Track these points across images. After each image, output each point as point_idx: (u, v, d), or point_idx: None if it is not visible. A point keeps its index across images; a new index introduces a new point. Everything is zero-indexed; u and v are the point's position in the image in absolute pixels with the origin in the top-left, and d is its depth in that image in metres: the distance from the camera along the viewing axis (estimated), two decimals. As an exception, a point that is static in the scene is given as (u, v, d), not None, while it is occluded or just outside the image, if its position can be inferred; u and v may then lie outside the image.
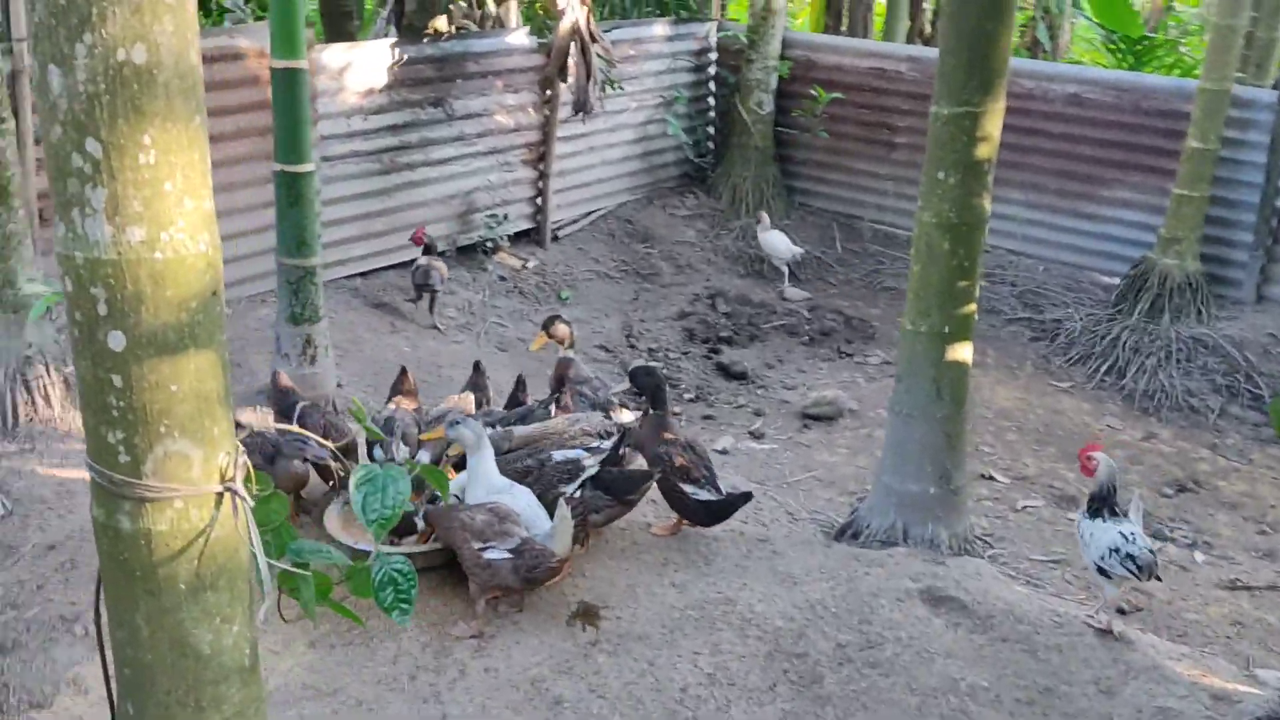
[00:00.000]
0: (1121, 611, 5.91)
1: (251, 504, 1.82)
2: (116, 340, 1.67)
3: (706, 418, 7.75)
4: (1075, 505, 6.94)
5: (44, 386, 5.58)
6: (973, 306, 4.72)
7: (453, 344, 7.69)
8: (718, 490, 4.72)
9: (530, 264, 9.08)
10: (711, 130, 10.86)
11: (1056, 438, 7.70)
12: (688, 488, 4.64)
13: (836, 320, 9.33)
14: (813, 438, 7.59)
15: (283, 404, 4.85)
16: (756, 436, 7.56)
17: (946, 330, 4.68)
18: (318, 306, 5.84)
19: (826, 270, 10.16)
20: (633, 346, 8.61)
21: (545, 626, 4.22)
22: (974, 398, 8.00)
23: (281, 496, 2.02)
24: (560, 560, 4.13)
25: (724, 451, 7.27)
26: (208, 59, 6.72)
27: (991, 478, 7.16)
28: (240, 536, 1.84)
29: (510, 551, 4.09)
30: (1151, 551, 4.21)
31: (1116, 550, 4.15)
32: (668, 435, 4.72)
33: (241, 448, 1.85)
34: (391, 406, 4.94)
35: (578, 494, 4.40)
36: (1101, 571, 4.21)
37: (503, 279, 8.80)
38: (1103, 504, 4.25)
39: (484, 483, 4.30)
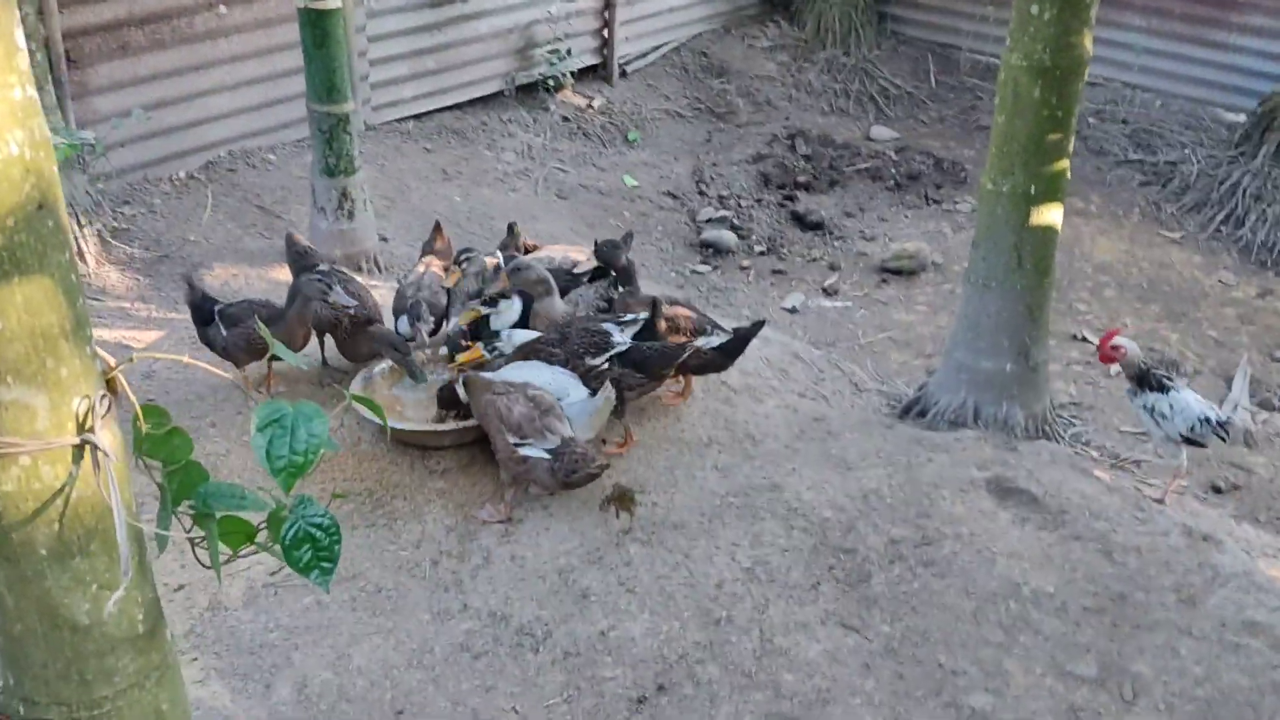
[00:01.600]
0: (1217, 490, 5.46)
1: (114, 457, 1.51)
2: (-85, 270, 1.34)
3: (776, 272, 7.30)
4: (1178, 370, 6.39)
5: (76, 241, 5.39)
6: (1065, 163, 4.13)
7: (508, 193, 7.29)
8: (724, 330, 4.41)
9: (596, 103, 8.54)
10: (797, -50, 9.95)
11: (1161, 294, 7.09)
12: (701, 340, 4.30)
13: (925, 163, 8.65)
14: (890, 294, 7.10)
15: (299, 266, 4.56)
16: (829, 293, 7.10)
17: (1032, 190, 4.12)
18: (353, 157, 5.48)
19: (918, 107, 9.40)
20: (702, 193, 8.10)
21: (577, 512, 3.96)
22: (1072, 250, 7.38)
23: (183, 433, 1.71)
24: (601, 467, 3.83)
25: (793, 310, 6.86)
26: (236, -118, 6.21)
27: (1084, 339, 6.62)
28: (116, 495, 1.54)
29: (549, 452, 3.80)
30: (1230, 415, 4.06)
31: (1207, 420, 4.02)
32: (659, 309, 4.33)
33: (105, 390, 1.53)
34: (420, 268, 4.62)
35: (607, 367, 4.07)
36: (1190, 441, 4.07)
37: (565, 120, 8.29)
38: (1154, 378, 4.11)
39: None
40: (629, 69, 8.91)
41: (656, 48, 9.16)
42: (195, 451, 4.16)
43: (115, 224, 5.81)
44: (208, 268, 5.71)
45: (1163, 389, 4.09)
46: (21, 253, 1.38)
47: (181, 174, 6.47)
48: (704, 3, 9.41)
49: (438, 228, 4.95)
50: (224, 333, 4.28)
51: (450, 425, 4.12)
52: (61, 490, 1.50)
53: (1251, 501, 5.41)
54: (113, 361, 1.64)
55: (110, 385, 1.63)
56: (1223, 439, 4.06)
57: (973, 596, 3.60)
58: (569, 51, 8.27)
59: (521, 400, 3.87)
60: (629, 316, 4.23)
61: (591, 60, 8.65)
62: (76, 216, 5.41)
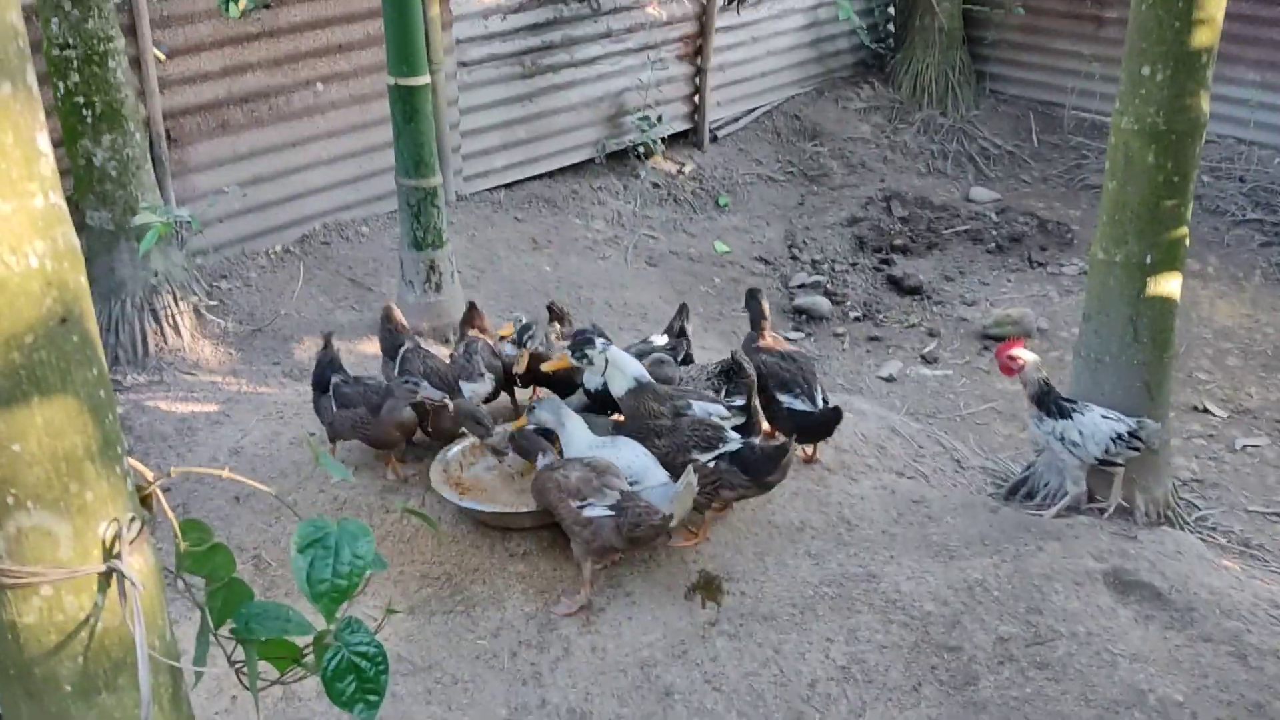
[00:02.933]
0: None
1: (141, 586, 1.40)
2: (-73, 391, 1.25)
3: (873, 339, 7.06)
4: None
5: (172, 316, 5.47)
6: (1184, 231, 3.87)
7: (598, 261, 7.22)
8: (813, 402, 4.25)
9: (686, 168, 8.47)
10: (891, 12, 9.82)
11: (1288, 363, 6.65)
12: (783, 396, 4.21)
13: (1029, 224, 8.35)
14: (994, 362, 6.80)
15: (389, 342, 4.52)
16: (929, 361, 6.83)
17: (1148, 260, 3.85)
18: (440, 230, 5.47)
19: (1020, 166, 9.11)
20: (795, 258, 7.93)
21: (661, 600, 3.78)
22: (1189, 314, 7.00)
23: (225, 549, 1.60)
24: (665, 518, 3.67)
25: (890, 379, 6.61)
26: (333, -39, 6.34)
27: (1206, 410, 6.23)
28: (148, 623, 1.43)
29: (611, 509, 3.66)
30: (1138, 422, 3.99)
31: (1120, 436, 3.94)
32: (765, 343, 4.20)
33: (138, 512, 1.43)
34: (462, 347, 4.58)
35: (710, 464, 3.89)
36: (1106, 463, 4.01)
37: (656, 186, 8.23)
38: (1056, 399, 4.04)
39: (577, 448, 3.88)
40: (720, 134, 8.84)
41: (748, 111, 9.07)
42: (280, 529, 4.09)
43: (211, 299, 5.88)
44: (298, 340, 5.73)
45: (1067, 414, 4.01)
46: (42, 370, 1.29)
47: (278, 248, 6.56)
48: (796, 66, 9.31)
49: (472, 307, 4.83)
50: (334, 408, 4.25)
51: (530, 507, 3.99)
52: (86, 622, 1.39)
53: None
54: (150, 475, 1.54)
55: (146, 501, 1.53)
56: (1138, 450, 3.97)
57: (1093, 704, 3.30)
58: (660, 118, 8.23)
59: (577, 467, 3.76)
60: (739, 401, 4.07)
61: (682, 126, 8.60)
62: (173, 292, 5.48)
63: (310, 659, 1.67)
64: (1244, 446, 5.92)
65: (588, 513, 3.67)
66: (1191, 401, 6.30)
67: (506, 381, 4.54)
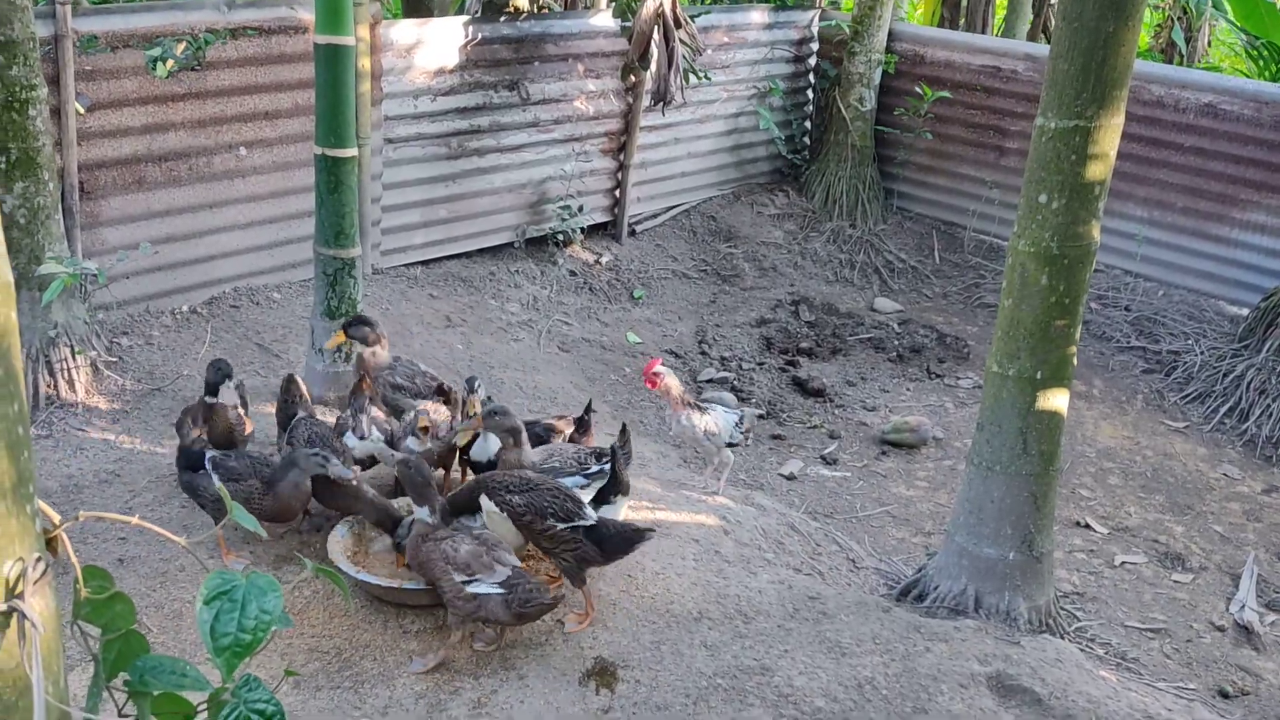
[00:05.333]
0: (1225, 695, 5.21)
1: (42, 628, 1.37)
2: None
3: (775, 437, 7.19)
4: (1182, 564, 6.21)
5: (68, 370, 5.33)
6: (1072, 349, 4.08)
7: (511, 343, 7.26)
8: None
9: (604, 259, 8.61)
10: (808, 126, 10.23)
11: (1165, 485, 6.95)
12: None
13: (928, 336, 8.66)
14: (890, 467, 6.98)
15: (285, 412, 4.46)
16: (829, 462, 6.98)
17: (1039, 375, 4.06)
18: (355, 301, 5.46)
19: (922, 281, 9.47)
20: (704, 353, 8.08)
21: (555, 684, 3.75)
22: (1075, 433, 7.29)
23: (126, 599, 1.58)
24: (555, 598, 3.70)
25: (791, 477, 6.73)
26: (266, 31, 6.40)
27: (1087, 526, 6.46)
28: (45, 667, 1.40)
29: (501, 585, 3.68)
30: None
31: (739, 423, 5.03)
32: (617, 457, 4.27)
33: (43, 554, 1.41)
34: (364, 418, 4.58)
35: (566, 532, 3.94)
36: (732, 445, 5.06)
37: (573, 274, 8.35)
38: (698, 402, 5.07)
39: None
40: (639, 228, 9.02)
41: (667, 209, 9.30)
42: (165, 594, 3.97)
43: (110, 355, 5.74)
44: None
45: (708, 410, 5.01)
46: (-36, 402, 1.28)
47: (184, 308, 6.45)
48: (715, 169, 9.61)
49: (361, 379, 4.82)
50: (218, 484, 4.14)
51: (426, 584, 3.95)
52: (-20, 662, 1.36)
53: (1261, 709, 5.16)
54: (57, 519, 1.52)
55: (51, 545, 1.50)
56: (745, 436, 5.10)
57: (972, 805, 3.36)
58: (580, 208, 8.39)
59: (467, 540, 3.77)
60: (595, 468, 4.18)
61: (602, 218, 8.76)
62: (71, 345, 5.35)
63: (204, 717, 1.64)
64: (1122, 563, 6.15)
65: (474, 589, 3.68)
66: (1074, 517, 6.53)
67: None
